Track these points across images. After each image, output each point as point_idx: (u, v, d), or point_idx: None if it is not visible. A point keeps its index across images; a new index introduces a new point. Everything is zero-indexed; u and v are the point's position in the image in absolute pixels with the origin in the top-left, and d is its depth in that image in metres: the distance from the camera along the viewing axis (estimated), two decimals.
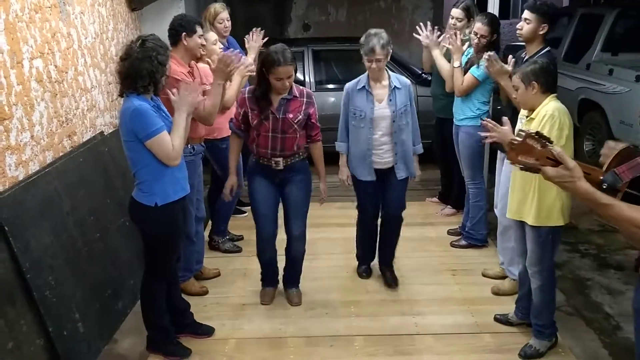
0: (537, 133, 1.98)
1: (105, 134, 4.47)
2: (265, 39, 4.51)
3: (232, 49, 4.00)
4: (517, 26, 3.85)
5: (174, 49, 3.69)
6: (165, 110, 3.22)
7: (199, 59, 3.92)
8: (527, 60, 3.68)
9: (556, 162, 1.95)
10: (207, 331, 3.67)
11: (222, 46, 4.42)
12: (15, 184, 3.17)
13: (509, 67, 3.86)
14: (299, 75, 6.94)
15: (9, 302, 2.94)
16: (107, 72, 4.63)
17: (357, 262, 4.41)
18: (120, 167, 4.37)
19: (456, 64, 4.52)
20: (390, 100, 3.85)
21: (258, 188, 3.76)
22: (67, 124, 3.88)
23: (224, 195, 3.85)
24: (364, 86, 3.87)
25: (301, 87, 3.73)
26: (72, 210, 3.59)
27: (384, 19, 10.12)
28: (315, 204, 3.96)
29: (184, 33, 3.70)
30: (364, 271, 4.36)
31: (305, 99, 3.66)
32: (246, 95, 3.62)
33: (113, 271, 3.88)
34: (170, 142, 3.04)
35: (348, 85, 3.97)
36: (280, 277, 4.12)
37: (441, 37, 4.82)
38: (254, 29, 4.50)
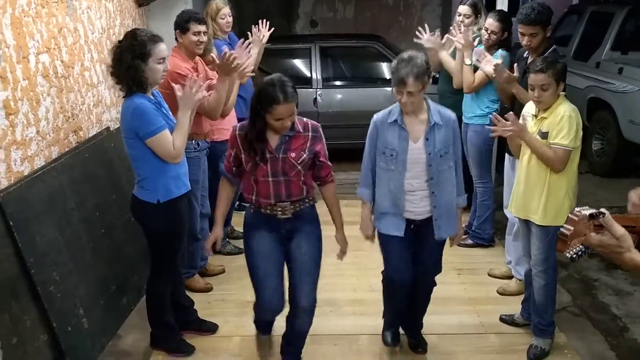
0: (592, 215, 1.67)
1: (112, 129, 4.47)
2: (271, 30, 4.50)
3: (237, 43, 4.00)
4: (524, 43, 3.77)
5: (178, 45, 3.82)
6: (167, 107, 3.21)
7: (202, 55, 3.92)
8: (531, 58, 3.65)
9: (600, 225, 1.66)
10: (211, 328, 3.67)
11: (225, 43, 4.42)
12: (20, 179, 3.17)
13: (515, 74, 3.79)
14: (306, 73, 6.93)
15: (13, 297, 2.94)
16: None
17: (365, 263, 4.15)
18: (126, 163, 4.33)
19: (467, 61, 4.46)
20: (427, 139, 3.03)
21: (259, 249, 2.98)
22: (73, 119, 3.88)
23: (204, 249, 3.14)
24: (395, 119, 3.06)
25: (305, 120, 2.98)
26: (77, 205, 3.59)
27: (392, 16, 10.10)
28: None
29: (177, 31, 3.78)
30: (391, 339, 3.44)
31: (310, 134, 2.94)
32: (237, 133, 2.91)
33: (118, 267, 3.88)
34: (171, 140, 3.03)
35: (377, 116, 3.16)
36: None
37: (444, 38, 4.77)
38: (260, 22, 4.48)
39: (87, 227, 3.64)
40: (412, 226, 3.14)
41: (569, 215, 1.72)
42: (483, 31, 4.40)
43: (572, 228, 1.66)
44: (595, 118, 6.90)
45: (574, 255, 1.69)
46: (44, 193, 3.31)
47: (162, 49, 3.05)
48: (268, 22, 4.49)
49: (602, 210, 1.68)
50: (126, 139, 3.07)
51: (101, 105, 4.37)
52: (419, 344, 3.47)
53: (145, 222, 3.23)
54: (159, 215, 3.14)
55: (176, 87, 3.13)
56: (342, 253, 3.14)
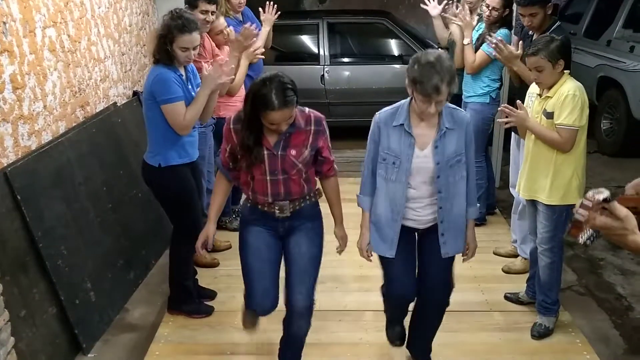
0: (605, 200, 1.62)
1: (119, 105, 4.47)
2: (278, 14, 4.49)
3: (249, 23, 3.98)
4: (525, 23, 3.76)
5: None
6: (198, 82, 3.35)
7: (217, 35, 3.96)
8: (535, 37, 3.62)
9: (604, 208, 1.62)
10: (209, 295, 3.76)
11: (236, 21, 4.39)
12: (28, 154, 3.18)
13: (519, 51, 3.75)
14: (314, 49, 6.88)
15: (21, 271, 2.97)
16: (120, 43, 4.60)
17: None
18: (133, 138, 4.37)
19: (466, 40, 4.40)
20: (437, 147, 2.65)
21: (255, 246, 2.74)
22: (80, 94, 3.88)
23: (196, 248, 2.87)
24: (402, 124, 2.65)
25: (307, 112, 2.65)
26: (84, 180, 3.61)
27: None
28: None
29: (186, 6, 3.78)
30: (396, 336, 3.15)
31: (312, 128, 2.64)
32: (232, 127, 2.62)
33: (125, 242, 3.90)
34: (184, 113, 3.16)
35: (380, 116, 2.74)
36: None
37: (448, 8, 4.71)
38: (267, 3, 4.46)
39: (95, 202, 3.66)
40: (414, 233, 2.85)
41: (583, 200, 1.66)
42: (484, 7, 4.32)
43: (586, 213, 1.62)
44: (605, 97, 6.83)
45: (587, 240, 1.67)
46: (52, 168, 3.32)
47: (187, 39, 3.13)
48: (275, 6, 4.46)
49: (601, 189, 1.63)
50: (145, 101, 3.26)
51: (108, 81, 4.36)
52: None
53: (149, 184, 3.41)
54: (160, 179, 3.30)
55: (205, 65, 3.28)
56: (341, 249, 2.93)
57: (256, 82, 2.50)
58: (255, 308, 2.80)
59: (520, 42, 3.81)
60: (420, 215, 2.76)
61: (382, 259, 2.88)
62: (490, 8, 4.26)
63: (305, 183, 2.71)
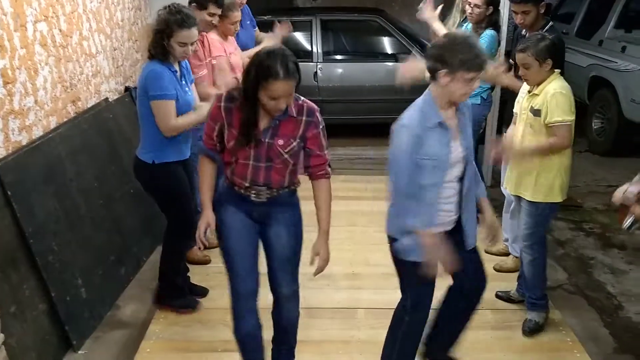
0: None
1: (110, 100, 4.44)
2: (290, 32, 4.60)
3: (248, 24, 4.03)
4: (517, 21, 3.77)
5: None
6: (191, 79, 3.37)
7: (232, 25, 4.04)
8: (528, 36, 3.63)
9: None
10: (201, 292, 3.74)
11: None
12: (18, 149, 3.16)
13: (501, 67, 3.73)
14: (307, 46, 6.87)
15: (12, 267, 2.95)
16: (112, 38, 4.57)
17: (361, 239, 3.93)
18: (125, 134, 4.35)
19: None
20: (461, 131, 2.55)
21: (231, 222, 2.66)
22: (72, 89, 3.85)
23: (197, 238, 2.69)
24: (439, 121, 2.45)
25: (301, 102, 2.56)
26: (76, 176, 3.58)
27: None
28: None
29: (193, 5, 3.77)
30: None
31: (304, 118, 2.54)
32: (222, 105, 2.53)
33: (116, 238, 3.89)
34: (174, 113, 3.13)
35: (411, 124, 2.44)
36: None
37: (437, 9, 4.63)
38: (284, 21, 4.50)
39: (86, 197, 3.64)
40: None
41: (628, 190, 1.91)
42: (467, 6, 4.26)
43: (632, 199, 1.83)
44: (596, 97, 6.86)
45: (630, 226, 1.88)
46: (43, 163, 3.30)
47: (186, 35, 3.12)
48: (292, 26, 4.51)
49: None
50: (139, 97, 3.24)
51: (100, 76, 4.34)
52: None
53: (142, 181, 3.38)
54: (153, 176, 3.28)
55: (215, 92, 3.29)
56: (320, 267, 2.71)
57: (259, 54, 2.42)
58: (241, 288, 2.69)
59: (504, 58, 3.80)
60: (451, 215, 2.60)
61: (416, 270, 2.52)
62: (472, 5, 4.20)
63: (288, 175, 2.61)
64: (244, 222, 2.67)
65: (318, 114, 2.59)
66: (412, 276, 2.57)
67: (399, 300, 2.79)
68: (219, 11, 3.85)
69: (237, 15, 4.08)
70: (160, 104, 3.11)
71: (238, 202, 2.65)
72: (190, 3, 3.78)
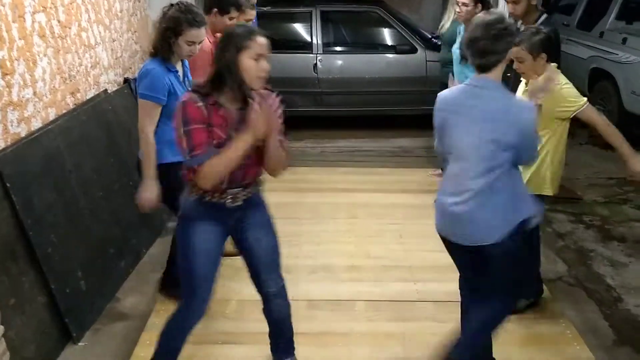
0: None
1: (109, 92, 4.43)
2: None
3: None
4: (509, 10, 3.76)
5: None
6: (189, 79, 3.30)
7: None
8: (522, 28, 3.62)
9: None
10: None
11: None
12: (17, 141, 3.15)
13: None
14: (307, 37, 6.85)
15: (11, 259, 2.95)
16: (111, 29, 4.55)
17: (361, 231, 4.04)
18: (124, 126, 4.34)
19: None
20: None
21: (202, 247, 2.55)
22: (70, 80, 3.84)
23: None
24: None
25: (263, 91, 2.46)
26: (75, 168, 3.57)
27: None
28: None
29: (215, 9, 3.70)
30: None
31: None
32: (197, 105, 2.34)
33: (116, 230, 3.88)
34: (155, 118, 3.07)
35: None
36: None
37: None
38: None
39: (85, 189, 3.63)
40: None
41: None
42: (455, 6, 4.24)
43: None
44: (597, 89, 6.85)
45: None
46: (41, 155, 3.29)
47: (195, 34, 3.08)
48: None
49: None
50: (138, 94, 3.20)
51: (99, 67, 4.32)
52: None
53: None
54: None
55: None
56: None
57: (225, 31, 2.46)
58: (196, 309, 2.66)
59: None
60: None
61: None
62: (460, 4, 4.19)
63: (259, 167, 2.53)
64: (216, 242, 2.60)
65: (274, 99, 2.44)
66: (517, 268, 2.67)
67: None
68: (237, 14, 3.81)
69: (252, 13, 4.05)
70: (146, 104, 3.07)
71: (211, 213, 2.52)
72: (210, 8, 3.70)
